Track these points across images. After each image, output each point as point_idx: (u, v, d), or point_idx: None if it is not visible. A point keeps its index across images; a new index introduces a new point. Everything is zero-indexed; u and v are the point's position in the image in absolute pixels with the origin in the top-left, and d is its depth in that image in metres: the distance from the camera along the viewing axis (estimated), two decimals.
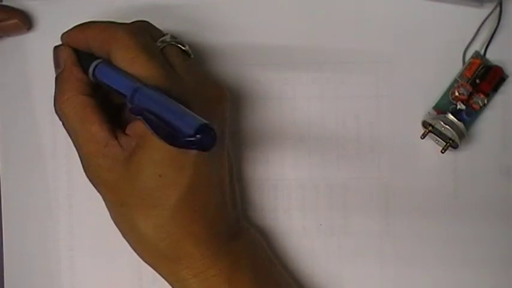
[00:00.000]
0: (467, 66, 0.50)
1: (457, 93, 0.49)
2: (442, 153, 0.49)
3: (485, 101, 0.49)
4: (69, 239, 0.52)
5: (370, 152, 0.51)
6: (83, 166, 0.45)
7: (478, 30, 0.50)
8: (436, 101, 0.50)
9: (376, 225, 0.51)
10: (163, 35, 0.46)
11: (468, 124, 0.49)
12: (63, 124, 0.45)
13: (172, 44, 0.45)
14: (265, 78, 0.52)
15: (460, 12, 0.51)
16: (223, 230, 0.44)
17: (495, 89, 0.50)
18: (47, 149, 0.52)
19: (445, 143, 0.49)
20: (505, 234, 0.50)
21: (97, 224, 0.51)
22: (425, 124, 0.49)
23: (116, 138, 0.43)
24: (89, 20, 0.46)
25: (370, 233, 0.51)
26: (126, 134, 0.44)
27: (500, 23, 0.50)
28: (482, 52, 0.50)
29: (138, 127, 0.43)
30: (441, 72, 0.50)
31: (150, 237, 0.43)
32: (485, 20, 0.50)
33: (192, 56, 0.46)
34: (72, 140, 0.45)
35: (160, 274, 0.45)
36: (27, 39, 0.52)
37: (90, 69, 0.44)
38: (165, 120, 0.37)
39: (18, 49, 0.52)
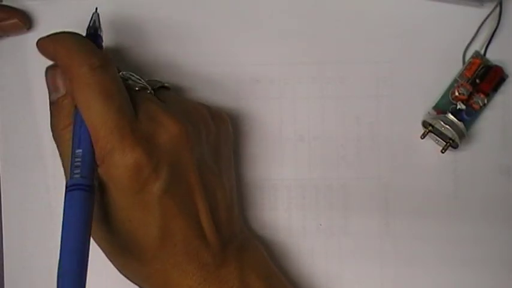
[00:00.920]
0: (467, 66, 0.50)
1: (457, 93, 0.49)
2: (442, 153, 0.49)
3: (485, 101, 0.49)
4: None
5: (370, 152, 0.51)
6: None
7: (478, 30, 0.50)
8: (436, 101, 0.50)
9: (376, 225, 0.51)
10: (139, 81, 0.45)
11: (468, 124, 0.49)
12: (59, 148, 0.44)
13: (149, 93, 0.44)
14: (265, 78, 0.52)
15: (460, 12, 0.51)
16: (207, 261, 0.43)
17: (495, 89, 0.50)
18: (47, 149, 0.52)
19: (445, 143, 0.49)
20: (505, 234, 0.50)
21: None
22: (425, 124, 0.49)
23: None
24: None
25: (370, 233, 0.51)
26: None
27: (500, 23, 0.50)
28: (482, 52, 0.50)
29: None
30: (441, 72, 0.50)
31: (138, 276, 0.44)
32: (485, 20, 0.50)
33: (170, 89, 0.47)
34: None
35: None
36: (27, 39, 0.52)
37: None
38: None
39: (18, 49, 0.52)
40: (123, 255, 0.43)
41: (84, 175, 0.40)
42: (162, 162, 0.40)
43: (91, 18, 0.46)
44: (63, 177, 0.52)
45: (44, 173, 0.52)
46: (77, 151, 0.40)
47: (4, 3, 0.52)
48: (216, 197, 0.45)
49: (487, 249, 0.50)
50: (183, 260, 0.42)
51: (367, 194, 0.51)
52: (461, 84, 0.49)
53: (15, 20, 0.51)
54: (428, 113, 0.50)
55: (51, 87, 0.44)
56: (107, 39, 0.49)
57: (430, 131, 0.49)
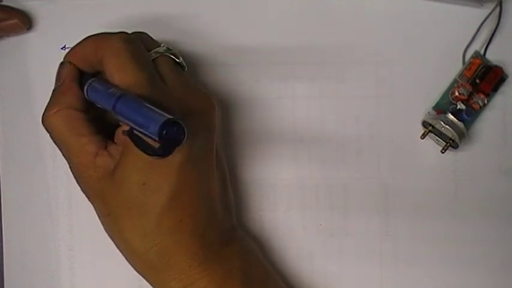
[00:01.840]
0: (467, 66, 0.50)
1: (457, 93, 0.49)
2: (442, 153, 0.49)
3: (485, 101, 0.49)
4: (69, 239, 0.52)
5: (370, 152, 0.51)
6: (75, 177, 0.45)
7: (478, 30, 0.50)
8: (436, 101, 0.50)
9: (376, 225, 0.51)
10: (158, 46, 0.46)
11: (468, 124, 0.49)
12: (50, 136, 0.45)
13: (166, 55, 0.45)
14: (265, 78, 0.52)
15: (460, 12, 0.51)
16: (213, 239, 0.43)
17: (495, 89, 0.50)
18: (47, 149, 0.52)
19: (445, 143, 0.49)
20: (505, 234, 0.50)
21: (97, 224, 0.51)
22: (425, 124, 0.49)
23: (106, 148, 0.43)
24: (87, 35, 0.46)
25: (370, 233, 0.51)
26: (115, 143, 0.44)
27: (500, 23, 0.50)
28: (482, 52, 0.50)
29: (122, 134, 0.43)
30: (441, 72, 0.50)
31: (137, 247, 0.43)
32: (485, 20, 0.50)
33: (186, 69, 0.47)
34: (61, 152, 0.45)
35: (151, 285, 0.44)
36: (27, 39, 0.52)
37: (85, 88, 0.45)
38: (142, 129, 0.37)
39: (18, 49, 0.52)
40: (125, 217, 0.42)
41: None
42: (193, 131, 0.40)
43: None
44: (63, 177, 0.52)
45: (44, 173, 0.52)
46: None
47: (4, 3, 0.52)
48: (225, 181, 0.47)
49: (487, 249, 0.50)
50: (187, 238, 0.42)
51: (367, 194, 0.51)
52: (461, 85, 0.49)
53: (15, 21, 0.51)
54: (429, 113, 0.50)
55: (56, 78, 0.46)
56: None
57: (430, 131, 0.49)
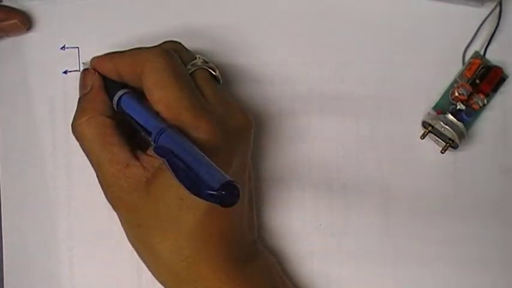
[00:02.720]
0: (467, 66, 0.50)
1: (456, 94, 0.49)
2: (442, 153, 0.49)
3: (485, 101, 0.49)
4: (69, 239, 0.52)
5: (370, 152, 0.51)
6: (103, 187, 0.44)
7: (478, 30, 0.50)
8: (436, 101, 0.50)
9: (376, 225, 0.51)
10: (194, 58, 0.45)
11: (468, 124, 0.49)
12: (80, 145, 0.45)
13: (203, 68, 0.45)
14: (265, 78, 0.52)
15: (460, 12, 0.51)
16: (239, 253, 0.44)
17: (495, 89, 0.50)
18: (46, 149, 0.52)
19: (444, 143, 0.49)
20: (504, 234, 0.50)
21: (97, 224, 0.51)
22: (425, 124, 0.49)
23: (138, 159, 0.43)
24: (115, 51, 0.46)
25: (370, 233, 0.51)
26: (148, 155, 0.43)
27: (500, 23, 0.50)
28: (482, 52, 0.50)
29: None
30: (441, 72, 0.50)
31: (166, 259, 0.43)
32: (485, 20, 0.50)
33: (221, 82, 0.46)
34: (90, 160, 0.44)
35: None
36: (27, 39, 0.52)
37: (115, 99, 0.45)
38: (189, 168, 0.37)
39: (18, 49, 0.52)
40: (157, 229, 0.43)
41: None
42: (231, 148, 0.41)
43: None
44: (63, 177, 0.52)
45: (44, 173, 0.52)
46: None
47: (4, 3, 0.52)
48: (252, 197, 0.47)
49: (487, 249, 0.50)
50: (217, 253, 0.42)
51: (367, 194, 0.51)
52: (461, 85, 0.49)
53: (14, 21, 0.51)
54: (428, 113, 0.50)
55: (80, 85, 0.46)
56: None
57: (430, 131, 0.49)
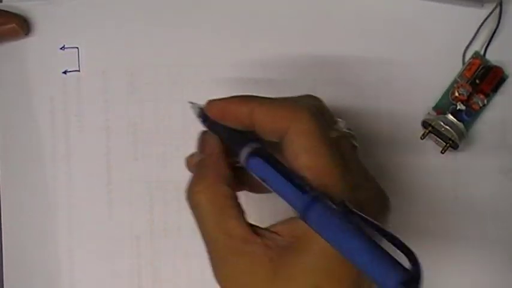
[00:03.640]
0: (467, 66, 0.50)
1: (456, 94, 0.49)
2: (442, 153, 0.49)
3: (485, 102, 0.49)
4: (69, 239, 0.52)
5: (370, 152, 0.51)
6: (213, 264, 0.39)
7: (478, 30, 0.50)
8: (436, 102, 0.50)
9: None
10: (335, 121, 0.42)
11: (468, 124, 0.49)
12: (194, 213, 0.40)
13: (346, 136, 0.41)
14: (265, 78, 0.52)
15: (460, 12, 0.51)
16: None
17: (495, 89, 0.50)
18: (46, 150, 0.52)
19: (445, 144, 0.49)
20: (505, 234, 0.50)
21: (97, 224, 0.52)
22: (425, 124, 0.49)
23: (258, 235, 0.38)
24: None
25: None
26: (272, 232, 0.38)
27: (500, 23, 0.50)
28: (482, 52, 0.50)
29: (295, 227, 0.37)
30: (441, 72, 0.50)
31: None
32: (485, 20, 0.50)
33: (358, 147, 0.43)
34: (202, 232, 0.39)
35: None
36: (27, 39, 0.52)
37: (242, 154, 0.39)
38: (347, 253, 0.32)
39: (18, 50, 0.52)
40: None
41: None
42: None
43: None
44: (63, 177, 0.52)
45: (43, 173, 0.52)
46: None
47: (4, 3, 0.52)
48: None
49: (487, 249, 0.50)
50: None
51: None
52: (461, 85, 0.49)
53: (12, 25, 0.51)
54: (428, 113, 0.50)
55: (198, 148, 0.42)
56: None
57: (430, 132, 0.49)
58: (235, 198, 0.39)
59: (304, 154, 0.37)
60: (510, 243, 0.50)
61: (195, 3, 0.52)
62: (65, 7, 0.52)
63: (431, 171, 0.50)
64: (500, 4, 0.50)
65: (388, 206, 0.41)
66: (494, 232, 0.50)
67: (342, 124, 0.41)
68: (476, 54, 0.50)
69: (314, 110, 0.39)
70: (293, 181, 0.36)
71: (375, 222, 0.33)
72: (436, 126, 0.48)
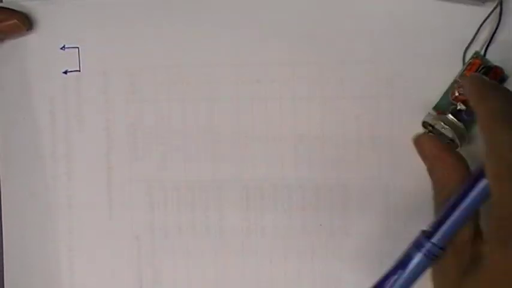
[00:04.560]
0: (467, 66, 0.50)
1: (457, 94, 0.49)
2: None
3: None
4: (69, 239, 0.52)
5: (370, 152, 0.51)
6: None
7: (478, 30, 0.50)
8: (436, 101, 0.50)
9: (376, 225, 0.51)
10: None
11: (468, 125, 0.49)
12: None
13: None
14: (265, 78, 0.51)
15: (460, 12, 0.51)
16: None
17: None
18: (46, 150, 0.52)
19: None
20: None
21: (97, 224, 0.52)
22: (425, 125, 0.49)
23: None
24: None
25: (370, 233, 0.51)
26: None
27: (501, 23, 0.50)
28: (482, 52, 0.50)
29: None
30: (441, 72, 0.50)
31: None
32: (485, 20, 0.50)
33: None
34: None
35: None
36: (27, 39, 0.52)
37: None
38: None
39: (18, 49, 0.52)
40: None
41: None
42: None
43: None
44: (63, 177, 0.52)
45: (43, 173, 0.52)
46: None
47: (4, 3, 0.52)
48: None
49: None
50: None
51: (367, 194, 0.51)
52: (461, 85, 0.49)
53: (14, 21, 0.51)
54: (429, 113, 0.50)
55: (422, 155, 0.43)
56: None
57: (430, 132, 0.49)
58: None
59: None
60: None
61: (195, 4, 0.52)
62: (65, 7, 0.52)
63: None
64: (501, 4, 0.50)
65: None
66: None
67: None
68: (476, 54, 0.50)
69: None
70: None
71: None
72: (436, 127, 0.48)
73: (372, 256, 0.50)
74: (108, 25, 0.52)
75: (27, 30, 0.52)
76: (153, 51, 0.52)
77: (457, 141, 0.48)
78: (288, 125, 0.51)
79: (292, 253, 0.51)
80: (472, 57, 0.50)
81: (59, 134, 0.52)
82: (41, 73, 0.52)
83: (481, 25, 0.50)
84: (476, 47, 0.50)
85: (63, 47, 0.52)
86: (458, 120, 0.48)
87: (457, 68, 0.50)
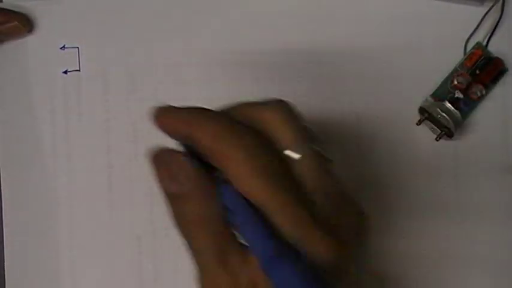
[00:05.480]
0: (468, 56, 0.50)
1: (455, 82, 0.48)
2: (437, 141, 0.48)
3: (484, 92, 0.49)
4: (69, 239, 0.52)
5: (370, 151, 0.50)
6: None
7: (481, 21, 0.50)
8: (435, 89, 0.49)
9: (376, 225, 0.49)
10: (304, 136, 0.36)
11: (465, 114, 0.49)
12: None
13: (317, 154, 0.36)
14: (265, 78, 0.51)
15: (464, 2, 0.50)
16: None
17: (494, 80, 0.49)
18: (46, 149, 0.52)
19: (440, 131, 0.48)
20: (504, 231, 0.49)
21: (97, 224, 0.51)
22: (422, 111, 0.49)
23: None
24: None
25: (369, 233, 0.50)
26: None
27: (503, 16, 0.50)
28: (484, 43, 0.50)
29: None
30: (442, 61, 0.50)
31: None
32: (488, 12, 0.50)
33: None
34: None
35: None
36: (27, 39, 0.53)
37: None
38: None
39: (18, 49, 0.53)
40: None
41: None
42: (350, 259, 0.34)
43: None
44: (63, 177, 0.52)
45: (44, 173, 0.52)
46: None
47: (4, 3, 0.53)
48: None
49: (487, 248, 0.49)
50: None
51: (367, 194, 0.50)
52: (461, 74, 0.49)
53: (15, 23, 0.51)
54: (426, 99, 0.49)
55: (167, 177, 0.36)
56: None
57: (426, 118, 0.48)
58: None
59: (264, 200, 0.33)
60: (509, 241, 0.49)
61: (195, 4, 0.52)
62: (65, 7, 0.53)
63: (431, 169, 0.50)
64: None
65: (369, 227, 0.36)
66: (494, 229, 0.49)
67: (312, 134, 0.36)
68: (478, 45, 0.50)
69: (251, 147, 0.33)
70: (265, 223, 0.32)
71: None
72: (432, 113, 0.48)
73: (372, 256, 0.50)
74: (108, 25, 0.52)
75: (28, 32, 0.52)
76: (153, 51, 0.52)
77: (452, 128, 0.47)
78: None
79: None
80: (474, 48, 0.50)
81: (59, 134, 0.52)
82: (41, 73, 0.52)
83: (483, 17, 0.50)
84: (479, 38, 0.50)
85: (63, 47, 0.53)
86: (455, 108, 0.47)
87: (458, 57, 0.50)
